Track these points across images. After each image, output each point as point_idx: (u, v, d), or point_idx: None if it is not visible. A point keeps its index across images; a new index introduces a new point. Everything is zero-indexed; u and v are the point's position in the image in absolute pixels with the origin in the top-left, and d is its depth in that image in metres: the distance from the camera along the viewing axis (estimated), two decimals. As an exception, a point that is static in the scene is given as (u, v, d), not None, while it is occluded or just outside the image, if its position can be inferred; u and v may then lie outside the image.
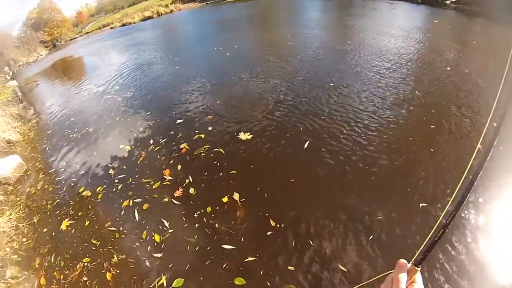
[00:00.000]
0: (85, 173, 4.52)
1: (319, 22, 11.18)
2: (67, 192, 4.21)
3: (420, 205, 2.76)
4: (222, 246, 2.79)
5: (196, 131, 4.75)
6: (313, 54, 7.33)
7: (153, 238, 3.06)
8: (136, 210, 3.47)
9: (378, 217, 2.73)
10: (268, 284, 2.41)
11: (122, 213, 3.51)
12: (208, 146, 4.30)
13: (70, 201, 4.00)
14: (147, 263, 2.83)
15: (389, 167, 3.31)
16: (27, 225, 3.82)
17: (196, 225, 3.10)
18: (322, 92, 5.24)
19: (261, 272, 2.50)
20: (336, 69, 6.16)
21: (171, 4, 26.23)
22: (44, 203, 4.15)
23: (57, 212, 3.89)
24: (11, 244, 3.57)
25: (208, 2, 25.40)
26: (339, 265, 2.41)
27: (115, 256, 2.99)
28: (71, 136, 5.86)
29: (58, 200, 4.10)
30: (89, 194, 4.01)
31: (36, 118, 7.74)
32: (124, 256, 2.97)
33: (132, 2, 32.21)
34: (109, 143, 5.20)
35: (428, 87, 4.92)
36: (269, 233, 2.81)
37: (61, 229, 3.57)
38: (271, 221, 2.92)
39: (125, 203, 3.62)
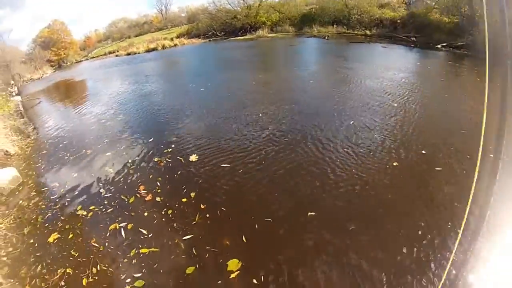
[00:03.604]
0: (77, 193, 4.99)
1: (314, 67, 12.24)
2: (59, 209, 4.62)
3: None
4: (183, 237, 3.69)
5: (170, 148, 6.04)
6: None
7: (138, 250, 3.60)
8: (122, 229, 3.98)
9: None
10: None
11: (108, 234, 3.94)
12: (170, 155, 5.72)
13: (61, 217, 4.42)
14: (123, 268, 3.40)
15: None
16: (16, 235, 4.12)
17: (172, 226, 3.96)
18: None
19: (210, 248, 3.45)
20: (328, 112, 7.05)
21: (176, 38, 27.65)
22: (35, 216, 4.51)
23: (47, 225, 4.29)
24: (-2, 252, 3.84)
25: (211, 39, 26.93)
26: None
27: (98, 266, 3.45)
28: (66, 158, 6.36)
29: (49, 215, 4.50)
30: (80, 212, 4.44)
31: (35, 135, 8.23)
32: (105, 268, 3.43)
33: (139, 33, 33.70)
34: (98, 166, 5.82)
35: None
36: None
37: (49, 241, 3.93)
38: (201, 205, 4.21)
39: (112, 226, 4.06)
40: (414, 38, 14.08)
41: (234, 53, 17.84)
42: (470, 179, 4.04)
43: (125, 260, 3.51)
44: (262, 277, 3.03)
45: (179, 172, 5.14)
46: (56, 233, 4.08)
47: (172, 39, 27.30)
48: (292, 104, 7.62)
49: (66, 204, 4.74)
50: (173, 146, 6.10)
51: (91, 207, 4.52)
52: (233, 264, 3.21)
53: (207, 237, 3.66)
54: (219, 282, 3.07)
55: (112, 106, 9.80)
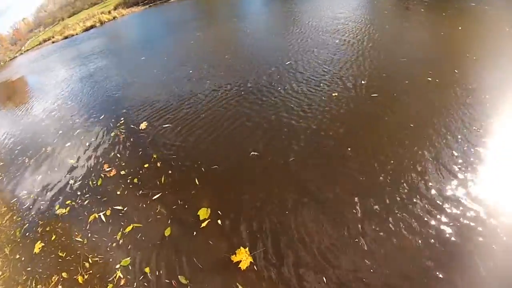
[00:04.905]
0: (47, 194, 4.66)
1: (254, 17, 11.88)
2: (35, 215, 4.30)
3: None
4: (153, 198, 3.85)
5: (121, 120, 6.09)
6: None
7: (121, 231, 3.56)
8: (101, 215, 3.87)
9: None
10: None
11: (88, 226, 3.79)
12: (124, 127, 5.79)
13: (39, 222, 4.12)
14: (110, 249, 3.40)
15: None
16: (1, 259, 3.82)
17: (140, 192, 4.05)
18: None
19: (180, 203, 3.66)
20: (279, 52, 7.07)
21: (113, 10, 25.33)
22: (12, 232, 4.17)
23: (27, 234, 4.01)
24: (-13, 282, 3.58)
25: (151, 4, 24.86)
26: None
27: (89, 259, 3.33)
28: (26, 162, 5.88)
29: (26, 225, 4.17)
30: (58, 211, 4.17)
31: (-15, 151, 7.44)
32: (96, 259, 3.32)
33: (72, 13, 30.55)
34: (60, 159, 5.53)
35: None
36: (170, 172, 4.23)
37: (35, 252, 3.67)
38: (158, 164, 4.47)
39: (92, 216, 3.90)
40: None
41: (173, 16, 17.23)
42: (405, 104, 4.20)
43: (113, 244, 3.42)
44: (222, 213, 3.33)
45: (133, 141, 5.25)
46: (39, 241, 3.79)
47: (109, 12, 24.98)
48: (226, 56, 7.81)
49: (41, 208, 4.41)
50: (123, 118, 6.14)
51: (67, 202, 4.30)
52: (203, 213, 3.40)
53: (173, 193, 3.84)
54: (195, 233, 3.22)
55: (58, 95, 9.47)
